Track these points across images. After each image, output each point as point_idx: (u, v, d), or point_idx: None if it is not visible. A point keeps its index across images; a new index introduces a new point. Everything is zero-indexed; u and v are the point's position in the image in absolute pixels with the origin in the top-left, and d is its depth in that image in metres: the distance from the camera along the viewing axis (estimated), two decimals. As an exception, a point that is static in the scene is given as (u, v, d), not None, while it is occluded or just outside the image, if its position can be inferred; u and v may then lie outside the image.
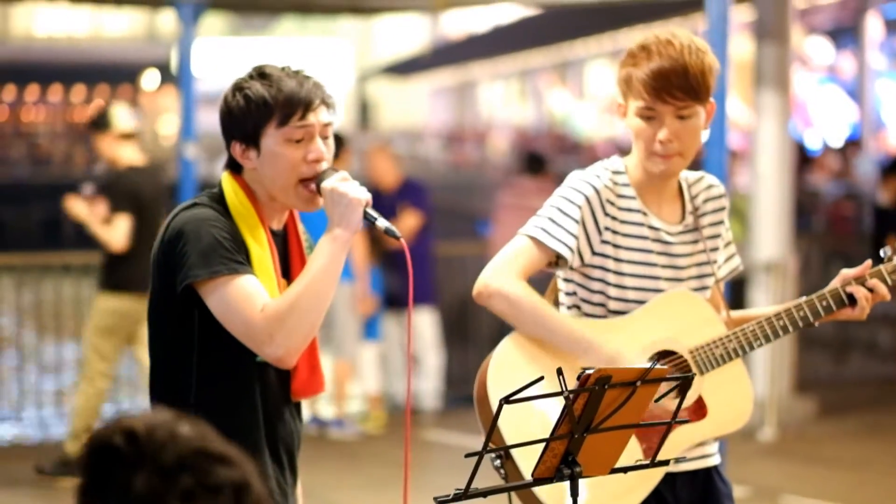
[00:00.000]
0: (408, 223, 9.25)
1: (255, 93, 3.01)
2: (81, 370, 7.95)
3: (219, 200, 3.04)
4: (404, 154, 26.34)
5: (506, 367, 3.32)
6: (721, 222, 3.57)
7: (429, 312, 9.68)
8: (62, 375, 11.02)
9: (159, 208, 7.85)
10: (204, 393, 2.99)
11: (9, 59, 33.64)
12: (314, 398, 6.75)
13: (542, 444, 2.75)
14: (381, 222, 2.99)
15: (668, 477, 3.40)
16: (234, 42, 38.46)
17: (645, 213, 3.46)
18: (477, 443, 2.78)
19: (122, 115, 7.80)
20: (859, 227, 14.09)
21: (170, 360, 3.03)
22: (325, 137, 3.05)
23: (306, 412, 7.34)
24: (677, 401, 2.91)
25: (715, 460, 3.52)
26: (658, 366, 2.79)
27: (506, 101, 36.97)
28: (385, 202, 8.90)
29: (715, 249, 3.56)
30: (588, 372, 2.68)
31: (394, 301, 9.48)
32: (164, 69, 32.85)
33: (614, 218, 3.43)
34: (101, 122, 7.78)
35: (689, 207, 3.53)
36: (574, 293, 3.47)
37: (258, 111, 3.00)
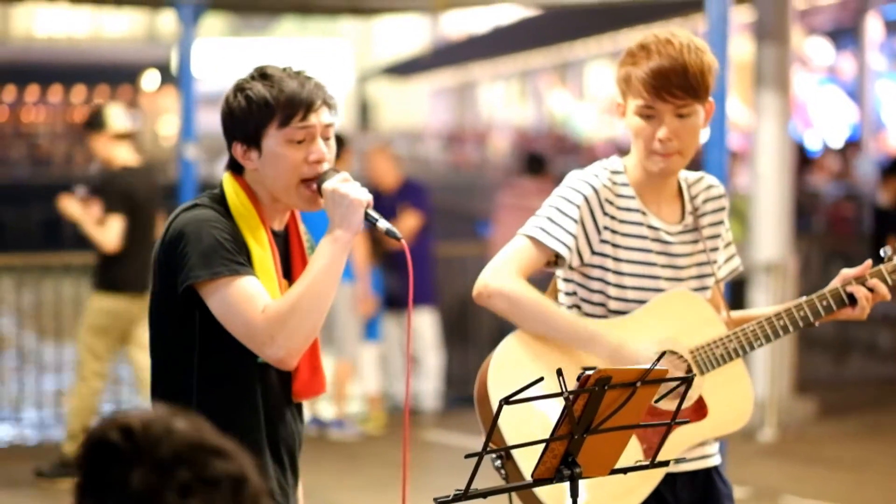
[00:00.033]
0: (408, 224, 9.25)
1: (256, 93, 3.01)
2: (76, 370, 7.95)
3: (220, 201, 3.04)
4: (404, 155, 26.33)
5: (507, 367, 3.32)
6: (721, 222, 3.57)
7: (429, 313, 9.68)
8: (62, 376, 11.02)
9: (154, 209, 7.85)
10: (205, 394, 2.99)
11: (9, 59, 33.64)
12: (314, 398, 6.75)
13: (543, 445, 2.75)
14: (382, 223, 2.99)
15: (669, 477, 3.40)
16: (234, 43, 38.47)
17: (644, 213, 3.46)
18: (477, 443, 2.78)
19: (117, 116, 7.78)
20: (859, 227, 14.09)
21: (171, 361, 3.03)
22: (326, 138, 3.05)
23: (306, 413, 7.34)
24: (677, 401, 2.91)
25: (715, 461, 3.52)
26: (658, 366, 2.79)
27: (506, 101, 36.98)
28: (385, 203, 8.90)
29: (715, 249, 3.56)
30: (588, 373, 2.68)
31: (394, 302, 9.48)
32: (164, 70, 32.85)
33: (613, 217, 3.43)
34: (95, 122, 7.76)
35: (688, 207, 3.53)
36: (574, 293, 3.47)
37: (260, 112, 3.00)
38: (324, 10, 13.30)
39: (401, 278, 9.23)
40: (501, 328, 7.58)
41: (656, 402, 3.31)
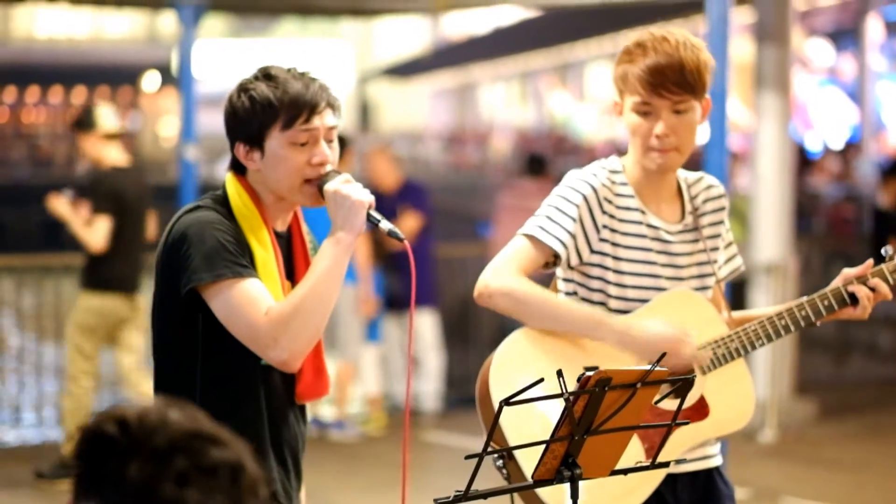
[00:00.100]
0: (408, 225, 9.25)
1: (260, 94, 2.99)
2: (66, 371, 7.96)
3: (222, 203, 3.03)
4: (405, 156, 26.34)
5: (508, 367, 3.32)
6: (721, 222, 3.57)
7: (429, 314, 9.68)
8: (62, 377, 11.00)
9: (144, 209, 7.83)
10: (208, 396, 2.97)
11: (9, 60, 33.65)
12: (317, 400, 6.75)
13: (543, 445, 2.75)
14: (385, 224, 2.99)
15: (669, 478, 3.40)
16: (235, 44, 38.48)
17: (643, 212, 3.46)
18: (477, 444, 2.78)
19: (106, 116, 7.75)
20: (859, 228, 14.10)
21: (173, 363, 3.02)
22: (329, 141, 3.04)
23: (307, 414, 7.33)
24: (678, 401, 2.91)
25: (716, 461, 3.52)
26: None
27: (506, 102, 37.00)
28: (385, 204, 8.89)
29: (715, 249, 3.56)
30: (588, 374, 2.67)
31: (394, 303, 9.47)
32: (164, 71, 32.86)
33: (612, 216, 3.43)
34: (85, 122, 7.73)
35: (688, 207, 3.53)
36: (574, 293, 3.47)
37: (263, 113, 2.99)
38: (324, 11, 13.30)
39: (402, 279, 9.23)
40: (502, 329, 7.57)
41: (657, 402, 3.31)
